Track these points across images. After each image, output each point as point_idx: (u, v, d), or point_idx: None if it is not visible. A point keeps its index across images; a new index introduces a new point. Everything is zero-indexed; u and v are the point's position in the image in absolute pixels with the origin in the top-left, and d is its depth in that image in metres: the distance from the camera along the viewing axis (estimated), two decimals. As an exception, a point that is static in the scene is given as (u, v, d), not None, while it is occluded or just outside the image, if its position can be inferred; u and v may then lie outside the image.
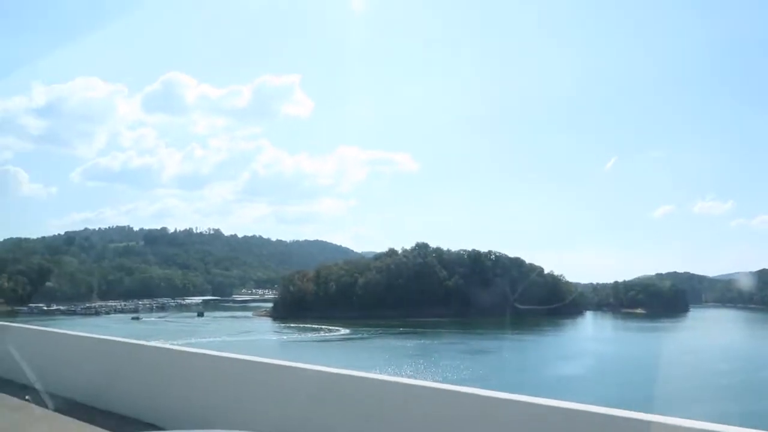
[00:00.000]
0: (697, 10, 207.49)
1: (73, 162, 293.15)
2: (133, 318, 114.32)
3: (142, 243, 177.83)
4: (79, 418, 7.89)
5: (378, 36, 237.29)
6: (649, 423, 3.94)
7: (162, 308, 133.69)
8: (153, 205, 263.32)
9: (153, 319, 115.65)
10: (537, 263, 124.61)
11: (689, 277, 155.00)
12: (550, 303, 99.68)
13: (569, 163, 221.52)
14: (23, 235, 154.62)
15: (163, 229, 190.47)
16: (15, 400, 8.66)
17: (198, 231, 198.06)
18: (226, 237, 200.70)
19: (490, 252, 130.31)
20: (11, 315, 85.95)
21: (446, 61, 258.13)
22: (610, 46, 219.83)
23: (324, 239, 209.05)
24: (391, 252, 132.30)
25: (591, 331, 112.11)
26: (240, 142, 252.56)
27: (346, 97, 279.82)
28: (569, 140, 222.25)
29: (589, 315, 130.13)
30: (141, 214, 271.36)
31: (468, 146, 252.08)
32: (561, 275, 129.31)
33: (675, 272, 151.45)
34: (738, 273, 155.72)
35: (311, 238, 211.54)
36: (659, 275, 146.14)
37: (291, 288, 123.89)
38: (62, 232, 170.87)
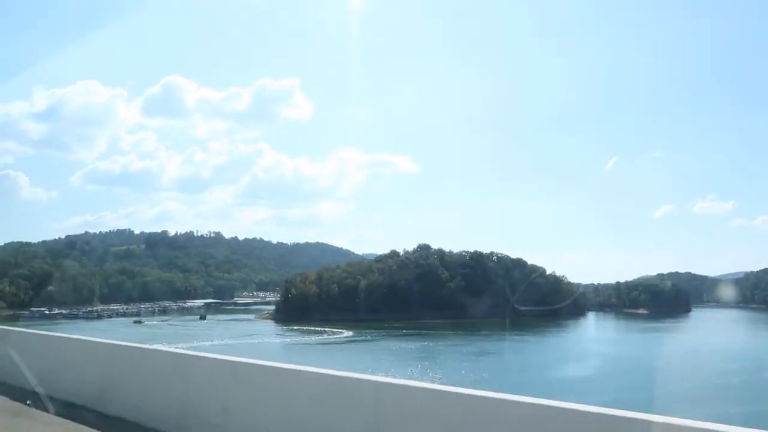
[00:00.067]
0: (696, 10, 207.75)
1: (74, 166, 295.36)
2: (135, 321, 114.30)
3: (143, 246, 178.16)
4: (80, 422, 7.87)
5: (377, 39, 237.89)
6: (649, 423, 3.93)
7: (164, 312, 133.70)
8: (153, 209, 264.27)
9: (155, 322, 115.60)
10: (538, 264, 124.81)
11: (691, 277, 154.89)
12: (552, 304, 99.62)
13: (570, 163, 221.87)
14: (24, 239, 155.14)
15: (164, 233, 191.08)
16: (16, 404, 8.65)
17: (199, 234, 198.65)
18: (227, 240, 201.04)
19: (492, 253, 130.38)
20: (13, 319, 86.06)
21: (446, 62, 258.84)
22: (610, 47, 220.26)
23: (324, 242, 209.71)
24: (393, 254, 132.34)
25: (594, 332, 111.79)
26: (240, 146, 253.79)
27: (346, 99, 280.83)
28: (569, 141, 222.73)
29: (591, 315, 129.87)
30: (141, 217, 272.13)
31: (468, 147, 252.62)
32: (563, 276, 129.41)
33: (676, 272, 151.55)
34: (739, 273, 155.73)
35: (312, 241, 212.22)
36: (660, 275, 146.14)
37: (293, 290, 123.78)
38: (63, 236, 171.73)
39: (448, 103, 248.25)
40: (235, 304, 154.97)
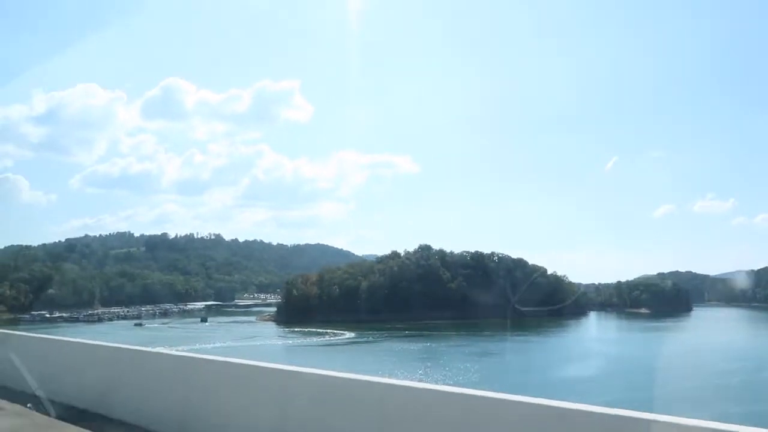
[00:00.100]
0: (695, 10, 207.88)
1: (73, 169, 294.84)
2: (136, 324, 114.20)
3: (142, 249, 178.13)
4: (81, 426, 7.85)
5: (377, 39, 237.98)
6: (649, 422, 3.94)
7: (165, 314, 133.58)
8: (153, 211, 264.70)
9: (156, 325, 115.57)
10: (539, 264, 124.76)
11: (692, 277, 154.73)
12: (554, 304, 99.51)
13: (570, 163, 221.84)
14: (24, 242, 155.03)
15: (164, 235, 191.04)
16: (17, 407, 8.64)
17: (199, 236, 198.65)
18: (227, 242, 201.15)
19: (493, 253, 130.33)
20: (13, 323, 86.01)
21: (445, 62, 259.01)
22: (609, 47, 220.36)
23: (325, 243, 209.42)
24: (394, 254, 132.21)
25: (595, 331, 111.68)
26: (240, 147, 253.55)
27: (346, 100, 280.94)
28: (569, 141, 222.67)
29: (593, 315, 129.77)
30: (141, 219, 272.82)
31: (469, 147, 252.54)
32: (564, 276, 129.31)
33: (677, 271, 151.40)
34: (740, 271, 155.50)
35: (312, 242, 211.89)
36: (661, 275, 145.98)
37: (294, 292, 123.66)
38: (63, 239, 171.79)
39: (447, 103, 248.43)
40: (236, 306, 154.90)
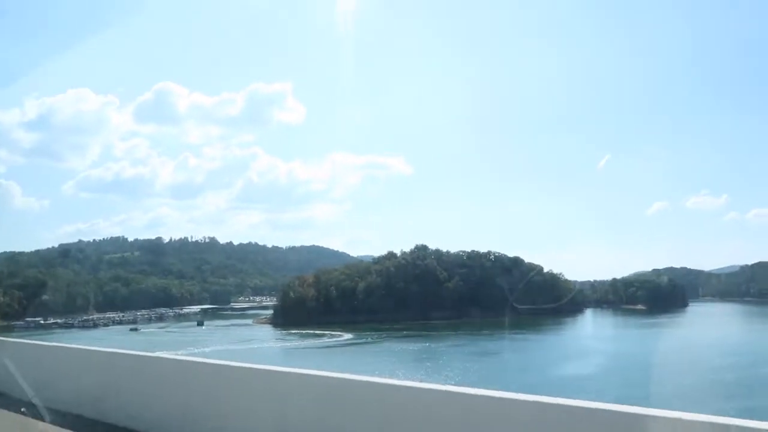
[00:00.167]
0: (687, 9, 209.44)
1: (66, 174, 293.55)
2: (131, 329, 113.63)
3: (137, 253, 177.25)
4: (76, 431, 7.78)
5: (369, 40, 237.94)
6: (644, 417, 3.94)
7: (160, 318, 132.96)
8: (146, 215, 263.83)
9: (152, 329, 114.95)
10: (535, 262, 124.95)
11: (686, 272, 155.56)
12: (550, 302, 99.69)
13: (564, 162, 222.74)
14: (17, 248, 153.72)
15: (158, 239, 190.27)
16: (12, 414, 8.56)
17: (193, 240, 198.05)
18: (222, 245, 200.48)
19: (489, 252, 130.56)
20: (7, 330, 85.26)
21: (438, 63, 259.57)
22: (603, 46, 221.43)
23: (320, 244, 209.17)
24: (390, 255, 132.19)
25: (592, 329, 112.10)
26: (233, 150, 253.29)
27: (339, 102, 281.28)
28: (563, 139, 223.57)
29: (589, 312, 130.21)
30: (134, 224, 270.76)
31: (462, 147, 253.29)
32: (560, 274, 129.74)
33: (671, 267, 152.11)
34: (734, 266, 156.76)
35: (307, 244, 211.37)
36: (656, 271, 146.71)
37: (291, 294, 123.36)
38: (56, 245, 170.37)
39: (440, 103, 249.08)
40: (232, 309, 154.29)
